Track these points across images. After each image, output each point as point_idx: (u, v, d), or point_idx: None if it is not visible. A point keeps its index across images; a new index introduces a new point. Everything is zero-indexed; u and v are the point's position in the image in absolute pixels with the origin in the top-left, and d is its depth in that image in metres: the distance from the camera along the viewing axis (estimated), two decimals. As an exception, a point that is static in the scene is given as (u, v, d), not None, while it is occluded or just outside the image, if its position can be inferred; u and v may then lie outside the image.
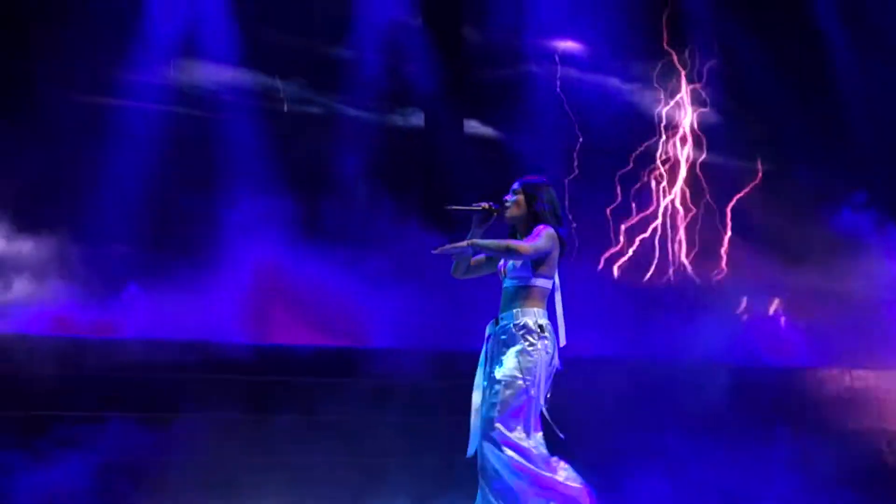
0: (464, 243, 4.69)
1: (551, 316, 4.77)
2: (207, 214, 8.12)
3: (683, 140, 10.50)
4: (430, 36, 9.63)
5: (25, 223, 7.54)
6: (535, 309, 4.81)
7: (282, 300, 7.91)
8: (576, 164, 9.91)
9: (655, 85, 10.39)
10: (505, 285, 4.88)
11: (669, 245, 10.27)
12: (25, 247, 7.49)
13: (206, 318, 7.43)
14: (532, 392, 4.69)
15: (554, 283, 4.90)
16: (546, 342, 4.75)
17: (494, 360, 4.79)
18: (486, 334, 4.85)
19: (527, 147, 9.41)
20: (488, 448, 4.64)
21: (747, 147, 10.48)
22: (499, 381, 4.71)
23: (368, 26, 9.22)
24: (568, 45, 10.20)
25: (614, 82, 10.27)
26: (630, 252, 10.08)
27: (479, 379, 4.79)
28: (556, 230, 4.82)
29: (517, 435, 4.63)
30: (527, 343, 4.74)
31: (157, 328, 7.31)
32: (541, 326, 4.78)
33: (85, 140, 7.95)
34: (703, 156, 10.43)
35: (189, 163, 8.28)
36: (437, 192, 8.99)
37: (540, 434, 4.71)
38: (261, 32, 8.93)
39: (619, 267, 10.01)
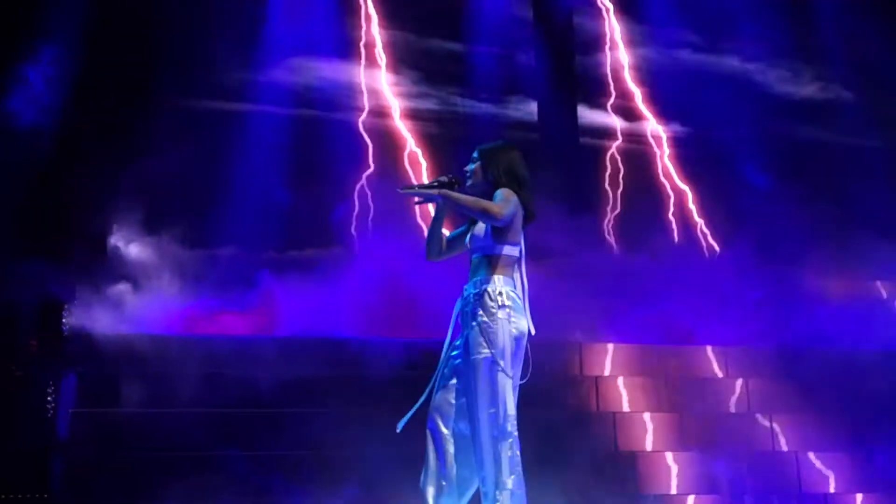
0: (434, 191, 4.49)
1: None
2: (324, 212, 8.24)
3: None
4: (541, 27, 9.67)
5: (154, 227, 7.70)
6: (497, 277, 4.55)
7: (408, 297, 7.87)
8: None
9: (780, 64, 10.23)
10: (472, 258, 4.67)
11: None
12: (155, 250, 7.64)
13: (343, 315, 7.49)
14: (500, 363, 4.45)
15: (521, 250, 4.66)
16: (508, 310, 4.50)
17: (461, 334, 4.57)
18: (455, 311, 4.62)
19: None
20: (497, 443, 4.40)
21: None
22: (472, 366, 4.46)
23: (481, 19, 9.24)
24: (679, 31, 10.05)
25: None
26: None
27: (444, 355, 4.58)
28: (517, 194, 4.58)
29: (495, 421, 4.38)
30: (487, 314, 4.50)
31: (292, 325, 7.48)
32: (501, 294, 4.53)
33: (209, 143, 8.07)
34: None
35: (310, 161, 8.33)
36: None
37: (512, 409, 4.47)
38: (376, 29, 8.96)
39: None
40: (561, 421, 6.90)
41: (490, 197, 4.50)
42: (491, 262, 4.56)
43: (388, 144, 8.80)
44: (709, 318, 8.15)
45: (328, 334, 7.36)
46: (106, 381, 6.52)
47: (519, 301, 4.56)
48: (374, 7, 9.07)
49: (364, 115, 8.83)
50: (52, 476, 6.26)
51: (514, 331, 4.49)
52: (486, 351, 4.44)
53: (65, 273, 6.85)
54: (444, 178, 4.54)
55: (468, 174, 4.66)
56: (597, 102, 9.83)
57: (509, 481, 4.41)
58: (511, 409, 4.41)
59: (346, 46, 8.92)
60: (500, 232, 4.52)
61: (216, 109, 8.37)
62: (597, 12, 9.98)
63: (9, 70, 7.55)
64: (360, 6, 9.06)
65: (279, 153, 8.28)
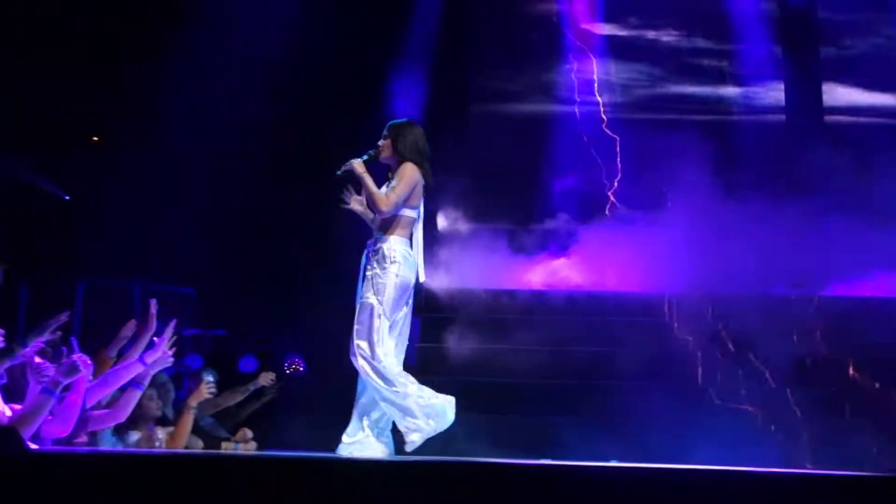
0: (357, 168, 5.15)
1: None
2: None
3: None
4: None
5: (476, 212, 9.23)
6: (393, 237, 5.20)
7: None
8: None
9: None
10: (374, 217, 5.28)
11: None
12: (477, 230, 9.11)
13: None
14: (380, 312, 5.09)
15: (419, 213, 5.28)
16: (397, 266, 5.13)
17: (362, 281, 5.23)
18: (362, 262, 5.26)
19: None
20: (354, 361, 5.10)
21: None
22: (359, 304, 5.17)
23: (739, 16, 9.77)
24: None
25: None
26: None
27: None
28: (414, 163, 5.16)
29: (365, 352, 5.05)
30: (379, 268, 5.15)
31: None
32: (394, 252, 5.17)
33: (512, 142, 9.54)
34: None
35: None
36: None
37: (386, 353, 5.06)
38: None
39: None
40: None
41: (397, 167, 5.21)
42: (392, 221, 5.21)
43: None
44: None
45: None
46: (442, 324, 7.85)
47: (410, 257, 5.21)
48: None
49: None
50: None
51: (398, 282, 5.12)
52: (373, 299, 5.12)
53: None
54: (369, 153, 5.25)
55: (380, 147, 5.29)
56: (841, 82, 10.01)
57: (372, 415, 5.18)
58: (382, 349, 5.06)
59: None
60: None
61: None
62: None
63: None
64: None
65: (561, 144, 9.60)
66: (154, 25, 8.85)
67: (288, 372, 7.40)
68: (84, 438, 5.13)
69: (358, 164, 5.22)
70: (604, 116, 9.70)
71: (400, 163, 5.26)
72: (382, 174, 5.40)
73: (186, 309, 8.37)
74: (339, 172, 5.27)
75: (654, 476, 3.93)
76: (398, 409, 5.13)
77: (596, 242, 9.01)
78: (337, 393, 5.53)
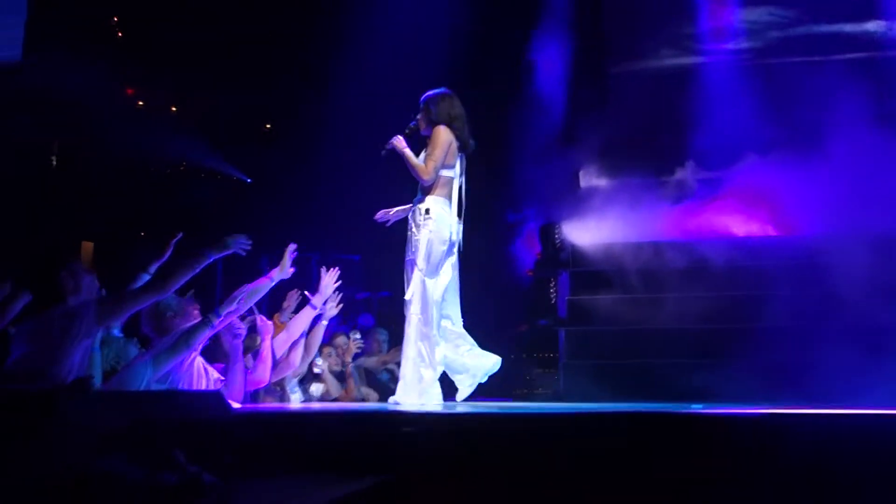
0: (398, 144, 5.31)
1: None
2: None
3: None
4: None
5: (619, 167, 9.46)
6: (430, 196, 5.32)
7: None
8: None
9: None
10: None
11: None
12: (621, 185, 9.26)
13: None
14: (423, 271, 5.19)
15: (455, 172, 5.36)
16: (430, 223, 5.22)
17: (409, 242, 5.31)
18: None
19: None
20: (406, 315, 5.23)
21: None
22: (406, 265, 5.26)
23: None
24: None
25: None
26: None
27: None
28: (447, 126, 5.26)
29: (415, 310, 5.14)
30: (416, 227, 5.27)
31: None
32: (427, 210, 5.26)
33: (651, 97, 9.69)
34: None
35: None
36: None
37: (436, 313, 5.16)
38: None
39: None
40: None
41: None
42: (427, 184, 5.34)
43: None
44: None
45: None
46: (590, 277, 8.05)
47: (447, 215, 5.30)
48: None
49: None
50: (560, 343, 7.64)
51: (432, 238, 5.23)
52: (414, 257, 5.25)
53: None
54: (409, 127, 5.44)
55: (418, 121, 5.45)
56: None
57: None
58: (425, 304, 5.15)
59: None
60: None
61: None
62: None
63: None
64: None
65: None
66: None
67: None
68: (274, 390, 6.02)
69: (398, 141, 5.40)
70: (745, 63, 9.71)
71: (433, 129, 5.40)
72: (421, 148, 5.59)
73: (355, 274, 9.16)
74: (382, 153, 5.46)
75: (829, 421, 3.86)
76: (410, 375, 5.34)
77: (747, 189, 8.90)
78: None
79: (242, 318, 5.40)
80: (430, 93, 5.51)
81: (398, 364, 6.77)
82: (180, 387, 4.87)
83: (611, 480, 3.70)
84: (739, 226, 8.84)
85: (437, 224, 5.31)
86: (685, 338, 7.21)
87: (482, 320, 6.22)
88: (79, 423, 3.22)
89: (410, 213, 5.46)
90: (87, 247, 8.87)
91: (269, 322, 5.62)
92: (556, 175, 9.03)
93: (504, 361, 6.01)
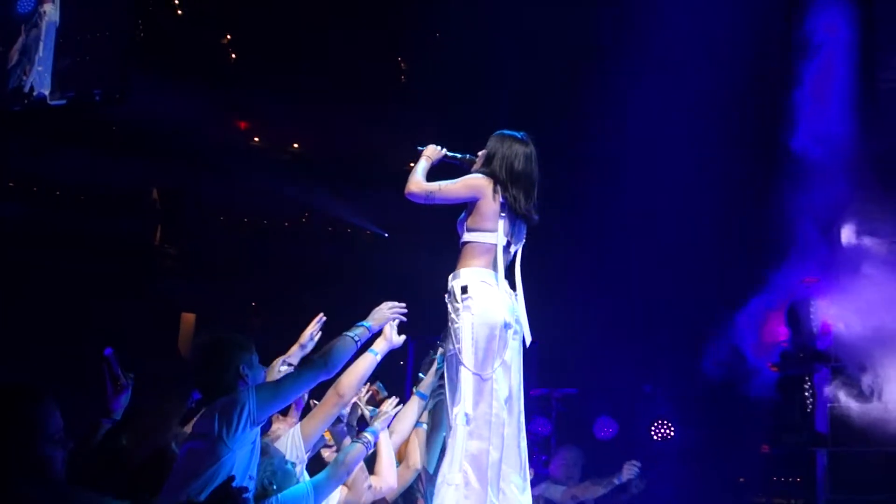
0: (427, 149, 4.76)
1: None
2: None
3: None
4: None
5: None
6: (464, 269, 4.62)
7: None
8: None
9: None
10: None
11: None
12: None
13: None
14: (465, 362, 4.45)
15: (500, 238, 4.63)
16: (471, 303, 4.51)
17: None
18: None
19: None
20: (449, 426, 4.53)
21: None
22: (448, 361, 4.60)
23: None
24: None
25: None
26: None
27: None
28: (492, 178, 4.60)
29: (458, 420, 4.38)
30: (453, 311, 4.58)
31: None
32: (464, 288, 4.55)
33: None
34: None
35: None
36: None
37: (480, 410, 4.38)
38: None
39: None
40: None
41: None
42: (464, 252, 4.68)
43: None
44: None
45: None
46: (861, 376, 6.78)
47: (491, 291, 4.54)
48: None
49: None
50: (817, 469, 6.75)
51: (476, 321, 4.49)
52: (455, 349, 4.53)
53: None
54: (464, 156, 4.84)
55: (477, 157, 4.79)
56: None
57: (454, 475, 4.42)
58: (468, 406, 4.43)
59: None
60: (470, 216, 4.62)
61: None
62: None
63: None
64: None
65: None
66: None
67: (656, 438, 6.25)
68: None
69: (431, 147, 4.88)
70: None
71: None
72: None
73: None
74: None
75: None
76: (435, 490, 4.61)
77: None
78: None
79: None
80: (503, 132, 4.93)
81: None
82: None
83: None
84: None
85: (481, 302, 4.61)
86: None
87: (697, 433, 5.74)
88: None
89: (446, 296, 4.77)
90: (188, 319, 8.20)
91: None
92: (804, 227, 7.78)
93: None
